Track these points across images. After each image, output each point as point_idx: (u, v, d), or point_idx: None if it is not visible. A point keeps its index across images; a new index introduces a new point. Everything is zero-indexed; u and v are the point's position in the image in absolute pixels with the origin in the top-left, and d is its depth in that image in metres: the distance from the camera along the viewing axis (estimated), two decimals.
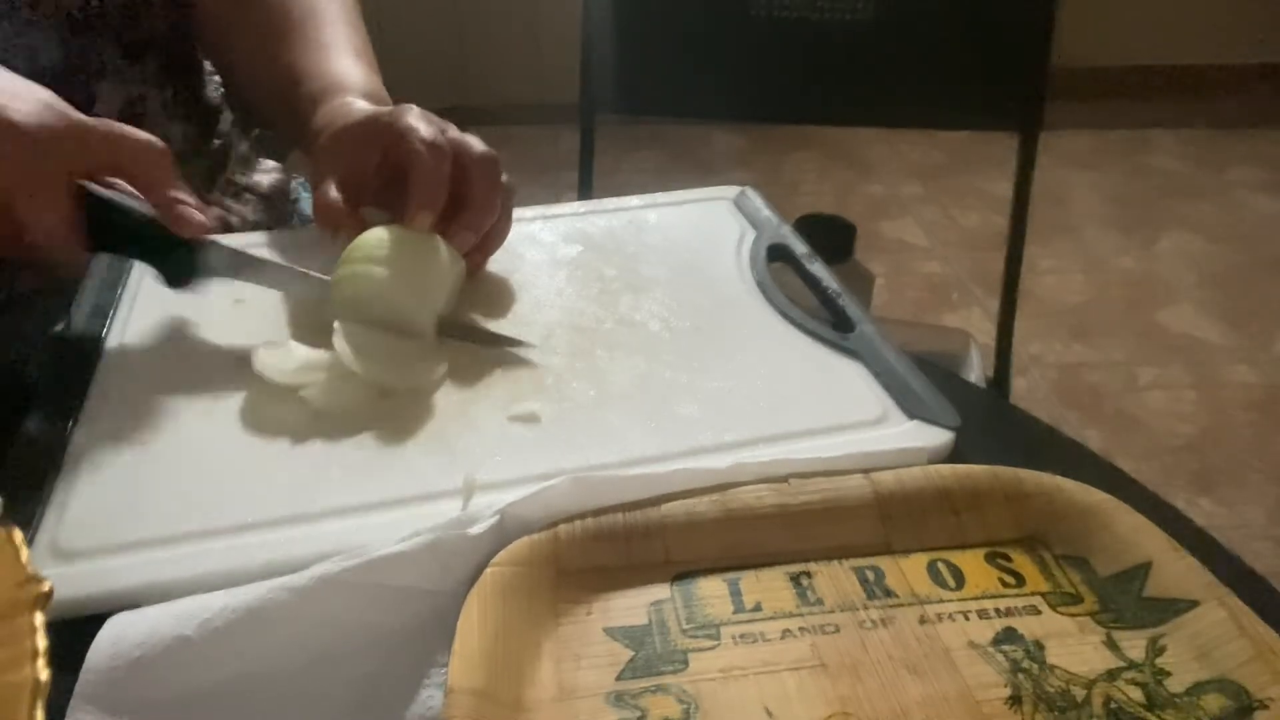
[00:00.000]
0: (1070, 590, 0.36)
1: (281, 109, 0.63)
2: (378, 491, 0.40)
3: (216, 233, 0.50)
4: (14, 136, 0.44)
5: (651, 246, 0.58)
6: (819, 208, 1.06)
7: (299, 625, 0.32)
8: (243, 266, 0.51)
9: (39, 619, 0.28)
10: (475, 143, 0.52)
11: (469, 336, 0.50)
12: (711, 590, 0.35)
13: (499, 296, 0.54)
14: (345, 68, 0.62)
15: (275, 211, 0.77)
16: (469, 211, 0.51)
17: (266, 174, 0.80)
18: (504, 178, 0.53)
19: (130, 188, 0.49)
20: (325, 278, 0.49)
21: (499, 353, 0.49)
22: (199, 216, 0.48)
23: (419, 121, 0.52)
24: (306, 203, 0.81)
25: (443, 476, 0.40)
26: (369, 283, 0.48)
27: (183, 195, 0.48)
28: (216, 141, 0.76)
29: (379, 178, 0.54)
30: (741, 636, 0.33)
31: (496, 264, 0.56)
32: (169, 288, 0.51)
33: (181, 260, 0.50)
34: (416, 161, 0.50)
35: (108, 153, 0.48)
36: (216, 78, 0.78)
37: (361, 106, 0.57)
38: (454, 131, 0.53)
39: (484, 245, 0.54)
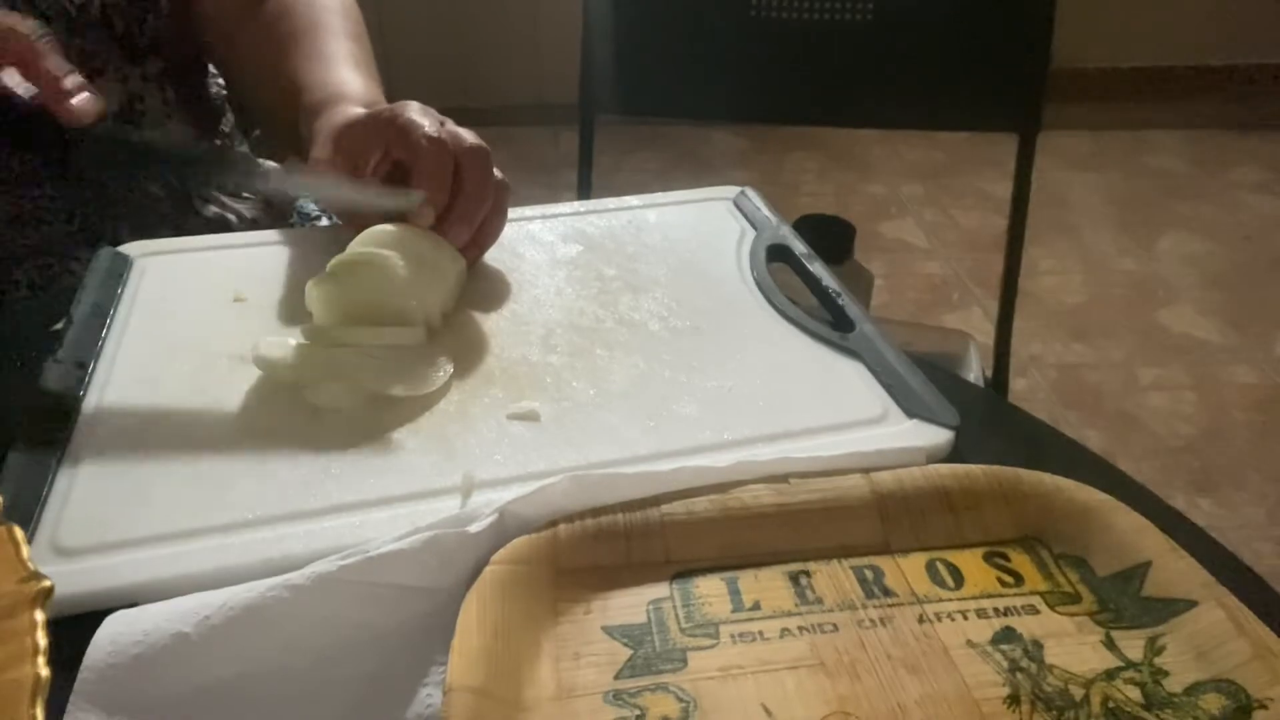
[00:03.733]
0: (1069, 590, 0.36)
1: (282, 118, 0.63)
2: (377, 489, 0.40)
3: (104, 116, 0.47)
4: None
5: (651, 246, 0.58)
6: (819, 208, 1.06)
7: (298, 623, 0.32)
8: (135, 154, 0.49)
9: (39, 616, 0.28)
10: (466, 134, 0.53)
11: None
12: (710, 589, 0.36)
13: (499, 295, 0.54)
14: (345, 79, 0.62)
15: (275, 211, 0.78)
16: (461, 202, 0.52)
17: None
18: (497, 173, 0.53)
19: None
20: (218, 156, 0.47)
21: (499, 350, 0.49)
22: (81, 104, 0.45)
23: (421, 116, 0.52)
24: (306, 201, 0.81)
25: (442, 474, 0.40)
26: (372, 281, 0.48)
27: (65, 80, 0.45)
28: (218, 142, 0.76)
29: (379, 173, 0.54)
30: (740, 635, 0.34)
31: (497, 263, 0.57)
32: (65, 176, 0.48)
33: (66, 149, 0.46)
34: (420, 157, 0.50)
35: None
36: (220, 79, 0.78)
37: (360, 108, 0.57)
38: (450, 124, 0.53)
39: (478, 239, 0.54)
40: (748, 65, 0.99)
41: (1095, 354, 1.76)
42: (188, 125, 0.73)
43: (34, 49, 0.46)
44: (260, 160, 0.53)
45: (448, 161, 0.51)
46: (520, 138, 2.42)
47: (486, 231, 0.54)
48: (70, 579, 0.34)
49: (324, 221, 0.80)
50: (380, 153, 0.53)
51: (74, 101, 0.45)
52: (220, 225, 0.72)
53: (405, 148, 0.51)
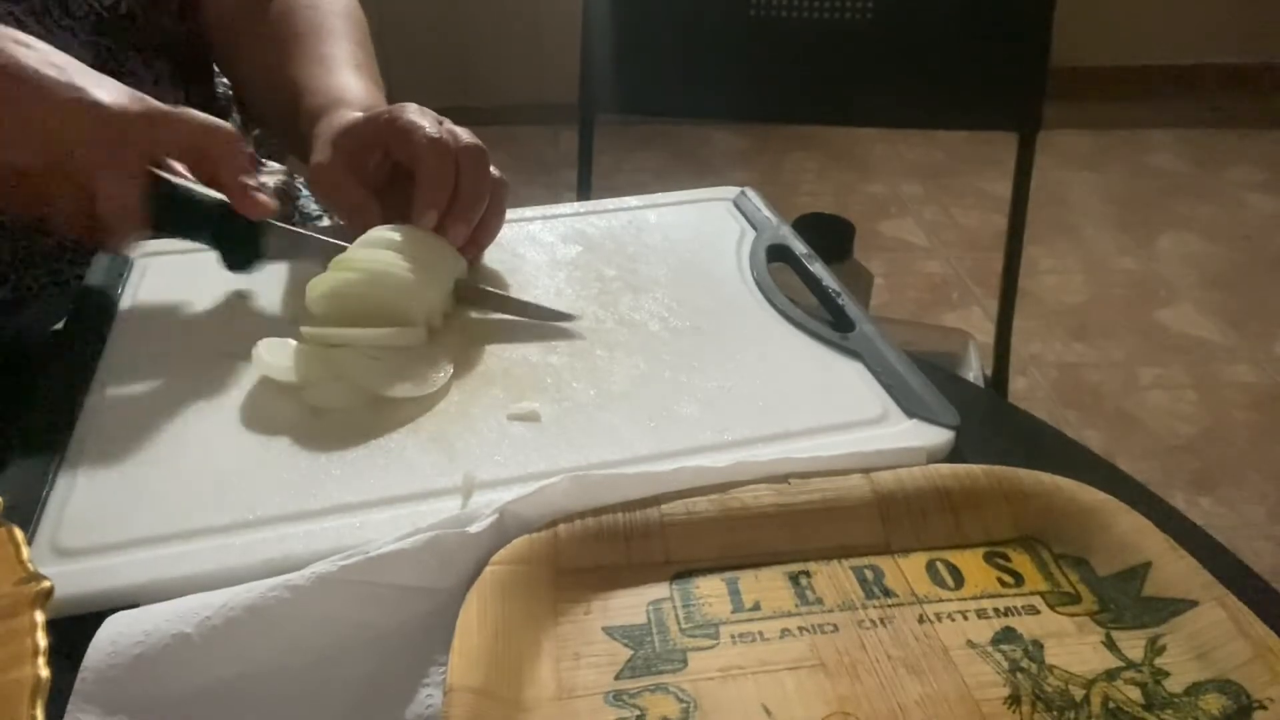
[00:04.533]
0: (1069, 590, 0.36)
1: (284, 120, 0.64)
2: (377, 489, 0.40)
3: (276, 218, 0.52)
4: (101, 117, 0.46)
5: (651, 247, 0.58)
6: (819, 208, 1.06)
7: (298, 624, 0.32)
8: (302, 247, 0.53)
9: (39, 617, 0.28)
10: (464, 133, 0.53)
11: (509, 308, 0.51)
12: (710, 590, 0.36)
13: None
14: (346, 83, 0.62)
15: (279, 213, 0.78)
16: (460, 202, 0.52)
17: (271, 175, 0.80)
18: (495, 171, 0.53)
19: (186, 174, 0.51)
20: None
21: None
22: (265, 200, 0.50)
23: (421, 118, 0.52)
24: (307, 201, 0.81)
25: (442, 474, 0.40)
26: (372, 281, 0.48)
27: (252, 180, 0.51)
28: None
29: (379, 175, 0.54)
30: (740, 636, 0.34)
31: (497, 264, 0.57)
32: (230, 270, 0.53)
33: (244, 242, 0.52)
34: (421, 159, 0.51)
35: (184, 136, 0.50)
36: (225, 80, 0.78)
37: (358, 113, 0.57)
38: (448, 124, 0.53)
39: (477, 238, 0.54)
40: (748, 65, 0.99)
41: (1095, 353, 1.77)
42: None
43: (236, 148, 0.50)
44: (265, 161, 0.53)
45: (449, 162, 0.51)
46: (520, 137, 2.42)
47: (485, 230, 0.54)
48: (70, 579, 0.34)
49: (325, 221, 0.80)
50: (379, 154, 0.53)
51: (259, 198, 0.50)
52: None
53: (406, 149, 0.51)
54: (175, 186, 0.50)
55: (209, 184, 0.52)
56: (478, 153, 0.52)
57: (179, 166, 0.51)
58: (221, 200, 0.51)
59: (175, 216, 0.51)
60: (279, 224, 0.53)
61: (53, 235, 0.64)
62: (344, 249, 0.50)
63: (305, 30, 0.67)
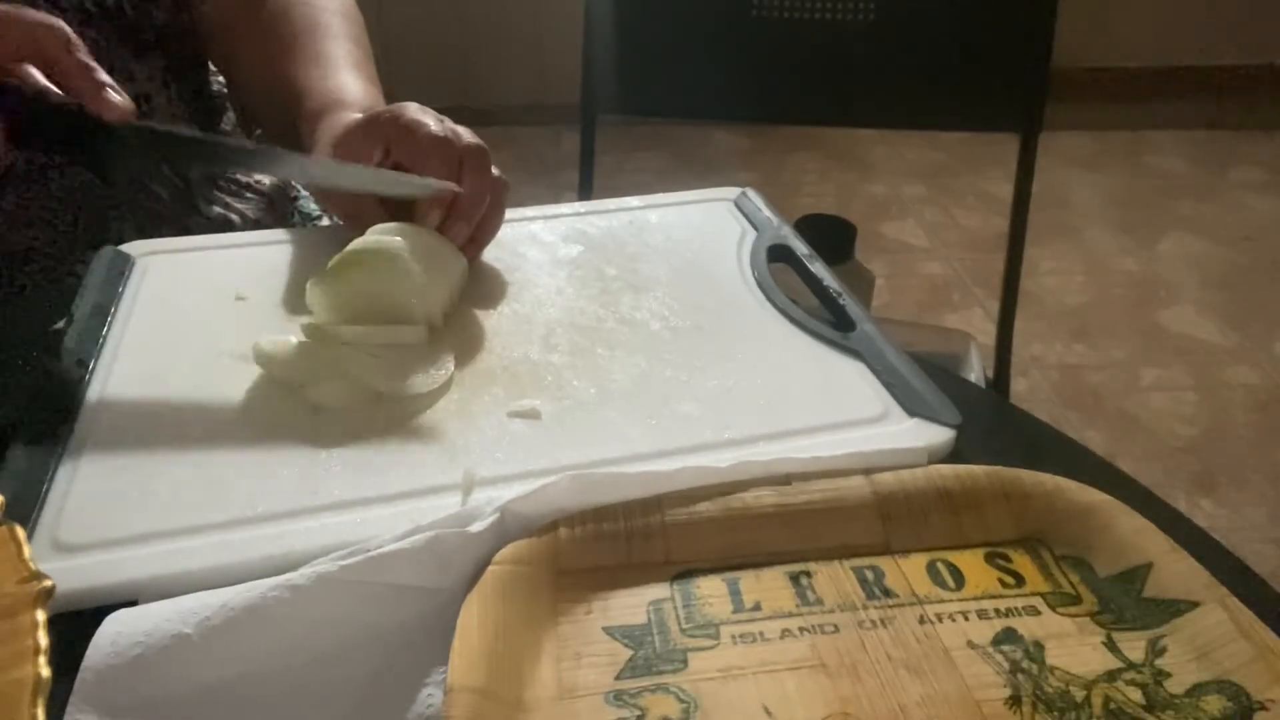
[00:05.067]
0: (1070, 591, 0.36)
1: (283, 121, 0.63)
2: (378, 486, 0.40)
3: (137, 118, 0.48)
4: None
5: (652, 247, 0.58)
6: (820, 208, 1.06)
7: (298, 624, 0.32)
8: (167, 145, 0.50)
9: (40, 616, 0.28)
10: (465, 133, 0.53)
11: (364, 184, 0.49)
12: (711, 590, 0.35)
13: (500, 294, 0.54)
14: (346, 84, 0.62)
15: (276, 211, 0.78)
16: (462, 201, 0.52)
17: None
18: (495, 170, 0.53)
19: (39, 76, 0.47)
20: (254, 147, 0.49)
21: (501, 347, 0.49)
22: (121, 99, 0.46)
23: (423, 117, 0.52)
24: (306, 201, 0.81)
25: (443, 472, 0.40)
26: (373, 279, 0.48)
27: (101, 77, 0.46)
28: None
29: None
30: (741, 636, 0.33)
31: (498, 263, 0.57)
32: (94, 175, 0.49)
33: (106, 145, 0.47)
34: (426, 158, 0.51)
35: (17, 39, 0.46)
36: (220, 77, 0.78)
37: (358, 114, 0.57)
38: (448, 122, 0.53)
39: (477, 237, 0.54)
40: (749, 65, 0.99)
41: (1096, 354, 1.76)
42: (191, 122, 0.73)
43: (67, 45, 0.46)
44: (280, 149, 0.53)
45: (452, 161, 0.51)
46: (521, 138, 2.42)
47: (485, 229, 0.55)
48: (71, 575, 0.34)
49: (325, 221, 0.80)
50: (380, 154, 0.53)
51: (111, 96, 0.46)
52: (223, 225, 0.72)
53: (408, 149, 0.52)
54: (24, 93, 0.46)
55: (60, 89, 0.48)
56: (480, 152, 0.52)
57: (36, 74, 0.47)
58: (77, 104, 0.46)
59: (28, 125, 0.46)
60: (141, 124, 0.48)
61: (41, 231, 0.64)
62: (222, 146, 0.47)
63: (302, 29, 0.67)
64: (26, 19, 0.46)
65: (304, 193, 0.82)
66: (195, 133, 0.51)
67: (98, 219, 0.66)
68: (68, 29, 0.47)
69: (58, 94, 0.46)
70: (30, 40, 0.46)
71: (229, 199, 0.74)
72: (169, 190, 0.70)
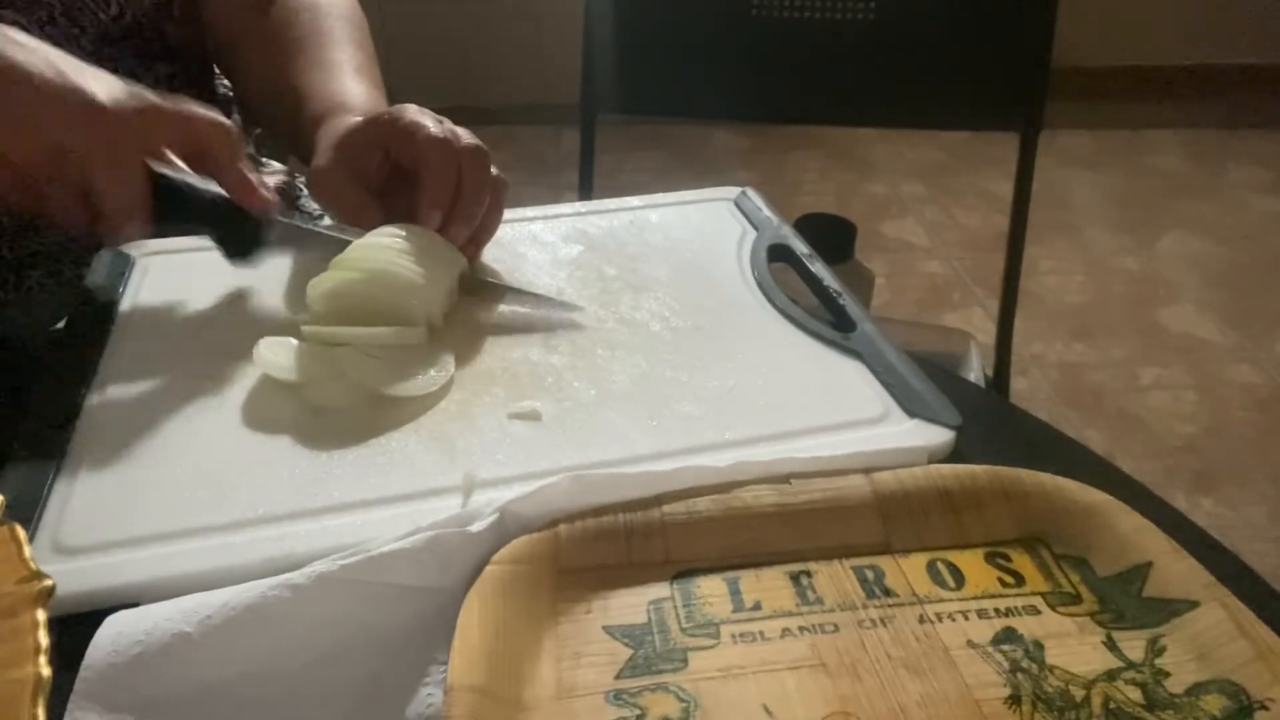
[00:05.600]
0: (1070, 590, 0.36)
1: (286, 125, 0.64)
2: (378, 488, 0.40)
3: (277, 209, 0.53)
4: (99, 114, 0.46)
5: (652, 246, 0.58)
6: (820, 208, 1.06)
7: (299, 623, 0.32)
8: (303, 239, 0.53)
9: (41, 615, 0.28)
10: (464, 134, 0.53)
11: (516, 300, 0.52)
12: (711, 589, 0.36)
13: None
14: (350, 89, 0.62)
15: (279, 207, 0.78)
16: (462, 203, 0.52)
17: (272, 175, 0.80)
18: (495, 170, 0.53)
19: (184, 167, 0.51)
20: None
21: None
22: (266, 192, 0.51)
23: (424, 118, 0.52)
24: (308, 200, 0.81)
25: (443, 473, 0.40)
26: (373, 280, 0.48)
27: (252, 172, 0.51)
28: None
29: (379, 177, 0.54)
30: (741, 635, 0.34)
31: (498, 263, 0.57)
32: (231, 261, 0.53)
33: (246, 234, 0.52)
34: (426, 160, 0.51)
35: (182, 131, 0.50)
36: (225, 81, 0.78)
37: (359, 117, 0.57)
38: (448, 123, 0.53)
39: (476, 238, 0.54)
40: (749, 65, 0.99)
41: (1096, 353, 1.76)
42: None
43: (233, 146, 0.51)
44: (266, 161, 0.53)
45: (452, 163, 0.51)
46: (522, 137, 2.42)
47: (484, 230, 0.55)
48: (72, 577, 0.35)
49: (325, 220, 0.80)
50: (380, 156, 0.53)
51: (261, 191, 0.51)
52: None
53: (409, 150, 0.52)
54: (174, 181, 0.50)
55: (209, 177, 0.52)
56: (479, 153, 0.52)
57: (177, 160, 0.51)
58: (221, 193, 0.51)
59: (175, 211, 0.51)
60: (280, 217, 0.53)
61: (52, 232, 0.64)
62: (345, 242, 0.50)
63: (306, 34, 0.67)
64: (194, 116, 0.50)
65: (305, 192, 0.82)
66: (325, 228, 0.53)
67: None
68: (235, 126, 0.51)
69: (208, 187, 0.51)
70: (194, 134, 0.50)
71: None
72: None
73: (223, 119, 0.51)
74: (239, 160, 0.51)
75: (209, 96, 0.76)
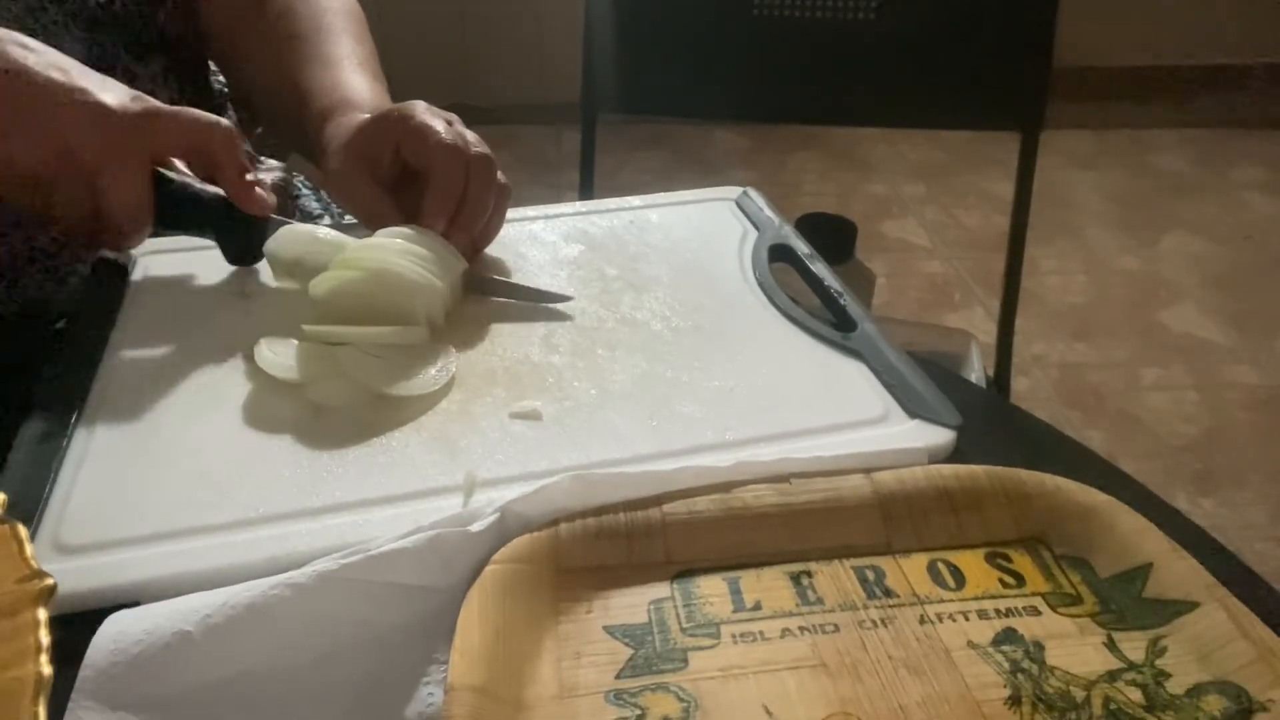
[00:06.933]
0: (1070, 591, 0.36)
1: (290, 122, 0.64)
2: (379, 487, 0.40)
3: (276, 211, 0.53)
4: (107, 117, 0.47)
5: (653, 246, 0.58)
6: (821, 208, 1.06)
7: (299, 622, 0.32)
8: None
9: (42, 614, 0.28)
10: (473, 139, 0.53)
11: (502, 292, 0.52)
12: (712, 589, 0.36)
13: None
14: (353, 83, 0.62)
15: (279, 208, 0.77)
16: (467, 209, 0.52)
17: (269, 172, 0.80)
18: (500, 176, 0.53)
19: (185, 170, 0.52)
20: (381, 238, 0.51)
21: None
22: (265, 195, 0.51)
23: (433, 119, 0.52)
24: (308, 199, 0.81)
25: (444, 473, 0.40)
26: (375, 280, 0.48)
27: (252, 175, 0.51)
28: None
29: (390, 174, 0.54)
30: (741, 635, 0.34)
31: (499, 262, 0.57)
32: (231, 263, 0.54)
33: (245, 236, 0.53)
34: (435, 165, 0.51)
35: (184, 135, 0.50)
36: (221, 76, 0.78)
37: (368, 115, 0.57)
38: (458, 125, 0.53)
39: (477, 243, 0.55)
40: (750, 65, 0.99)
41: (1097, 354, 1.76)
42: None
43: (230, 145, 0.51)
44: (263, 159, 0.54)
45: (461, 169, 0.51)
46: (522, 137, 2.42)
47: (484, 235, 0.55)
48: (73, 576, 0.35)
49: (326, 220, 0.79)
50: (391, 153, 0.53)
51: (259, 195, 0.51)
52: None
53: (418, 152, 0.52)
54: (175, 184, 0.51)
55: (209, 180, 0.52)
56: (487, 162, 0.53)
57: (179, 164, 0.52)
58: (222, 196, 0.52)
59: (177, 213, 0.51)
60: (279, 218, 0.53)
61: (52, 232, 0.64)
62: (345, 242, 0.51)
63: (306, 29, 0.67)
64: (194, 120, 0.51)
65: (304, 191, 0.82)
66: (323, 229, 0.54)
67: None
68: (234, 129, 0.51)
69: (208, 190, 0.51)
70: (195, 138, 0.51)
71: None
72: None
73: (222, 121, 0.51)
74: (238, 162, 0.51)
75: (205, 92, 0.76)
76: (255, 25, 0.68)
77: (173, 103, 0.71)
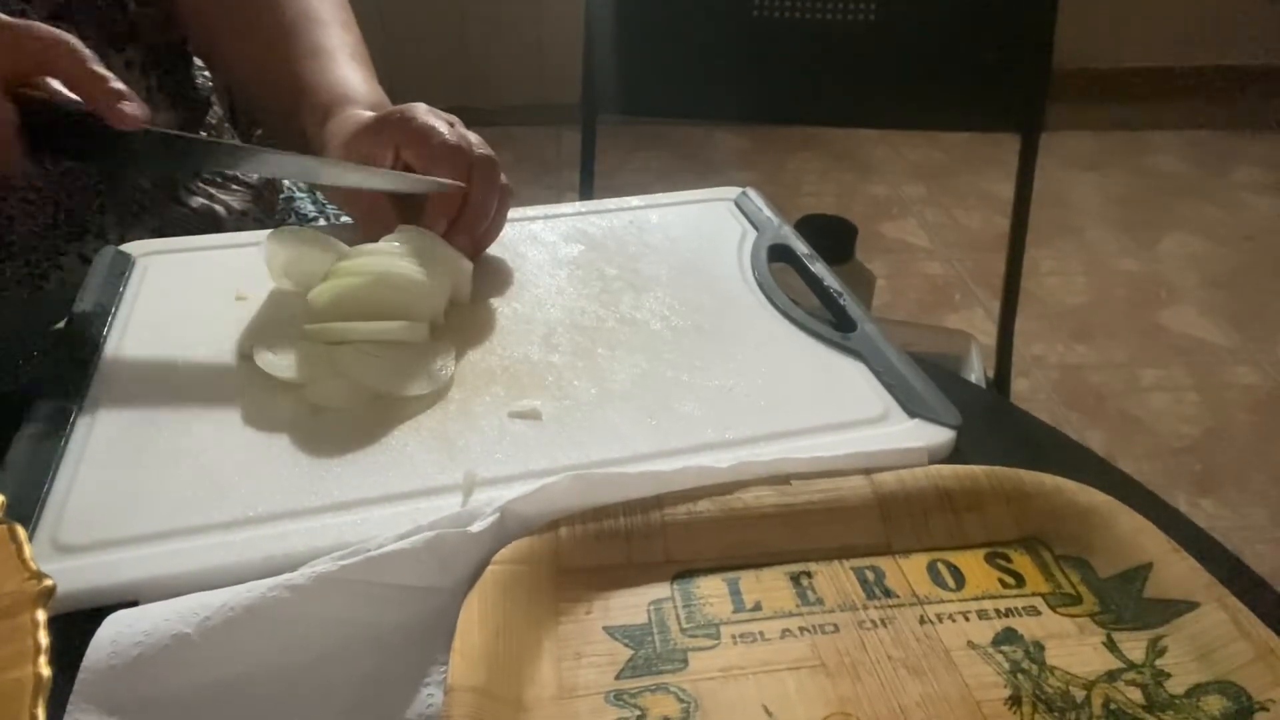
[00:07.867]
0: (1070, 591, 0.36)
1: (285, 118, 0.63)
2: (378, 487, 0.40)
3: (150, 126, 0.48)
4: None
5: (653, 246, 0.58)
6: (821, 208, 1.06)
7: (298, 624, 0.32)
8: (179, 151, 0.50)
9: (41, 616, 0.28)
10: (476, 141, 0.53)
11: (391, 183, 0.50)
12: (711, 590, 0.35)
13: (501, 294, 0.54)
14: (348, 77, 0.62)
15: (264, 203, 0.77)
16: (469, 212, 0.52)
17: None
18: (502, 178, 0.53)
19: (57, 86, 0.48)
20: (263, 149, 0.49)
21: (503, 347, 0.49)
22: (134, 108, 0.47)
23: (436, 121, 0.52)
24: (303, 202, 0.81)
25: (443, 472, 0.40)
26: (374, 279, 0.48)
27: (115, 86, 0.47)
28: (203, 133, 0.75)
29: None
30: (741, 636, 0.33)
31: (499, 263, 0.57)
32: (108, 180, 0.50)
33: (118, 152, 0.48)
34: (436, 166, 0.51)
35: (34, 51, 0.47)
36: (206, 71, 0.78)
37: (368, 112, 0.57)
38: (460, 127, 0.53)
39: (478, 244, 0.54)
40: (750, 65, 0.99)
41: (1097, 354, 1.76)
42: (173, 114, 0.72)
43: (76, 56, 0.47)
44: (289, 152, 0.52)
45: (462, 169, 0.51)
46: (522, 137, 2.42)
47: (485, 236, 0.55)
48: (71, 575, 0.35)
49: (321, 222, 0.79)
50: (393, 154, 0.53)
51: (125, 106, 0.46)
52: (207, 216, 0.71)
53: (421, 154, 0.52)
54: (39, 102, 0.46)
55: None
56: (490, 164, 0.52)
57: (54, 85, 0.48)
58: (87, 110, 0.47)
59: (46, 134, 0.48)
60: (154, 130, 0.49)
61: (21, 226, 0.63)
62: (231, 149, 0.48)
63: (295, 19, 0.66)
64: (36, 34, 0.47)
65: (299, 193, 0.82)
66: (207, 137, 0.51)
67: (77, 211, 0.66)
68: (75, 41, 0.47)
69: (71, 100, 0.46)
70: (41, 54, 0.47)
71: (213, 190, 0.74)
72: (151, 180, 0.69)
73: (64, 35, 0.47)
74: (95, 75, 0.47)
75: (186, 85, 0.75)
76: (239, 15, 0.67)
77: (151, 95, 0.69)
